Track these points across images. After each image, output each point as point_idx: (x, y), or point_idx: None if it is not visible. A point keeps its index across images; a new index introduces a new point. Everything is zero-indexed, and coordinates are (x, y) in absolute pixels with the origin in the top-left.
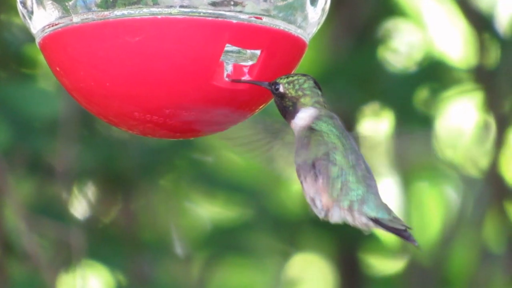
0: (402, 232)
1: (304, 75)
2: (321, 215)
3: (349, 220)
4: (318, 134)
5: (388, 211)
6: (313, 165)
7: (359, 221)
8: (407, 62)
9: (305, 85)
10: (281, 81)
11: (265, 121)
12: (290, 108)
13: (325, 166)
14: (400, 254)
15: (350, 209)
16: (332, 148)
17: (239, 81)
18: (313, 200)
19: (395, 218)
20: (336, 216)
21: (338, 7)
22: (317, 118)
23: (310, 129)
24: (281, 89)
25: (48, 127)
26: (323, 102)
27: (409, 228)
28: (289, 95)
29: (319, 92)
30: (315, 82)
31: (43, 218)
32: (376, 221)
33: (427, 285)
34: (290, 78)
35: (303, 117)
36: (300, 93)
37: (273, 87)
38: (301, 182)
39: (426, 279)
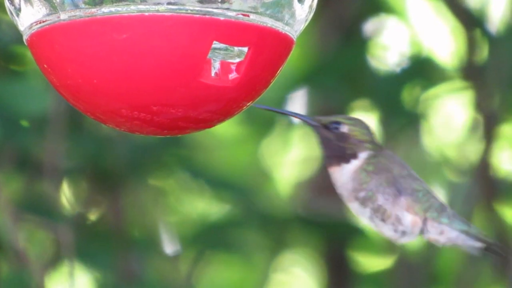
0: (492, 246)
1: (357, 118)
2: (407, 236)
3: (436, 233)
4: (382, 160)
5: (470, 224)
6: (393, 184)
7: (448, 235)
8: (395, 59)
9: (367, 130)
10: (345, 121)
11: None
12: (349, 151)
13: (407, 182)
14: (388, 251)
15: (439, 222)
16: (401, 169)
17: (283, 112)
18: (398, 219)
19: (480, 231)
20: (430, 231)
21: (325, 4)
22: (373, 155)
23: (372, 159)
24: (345, 130)
25: (36, 124)
26: (380, 146)
27: (496, 243)
28: (354, 137)
29: (376, 139)
30: (369, 127)
31: (31, 215)
32: (467, 234)
33: (415, 282)
34: (353, 121)
35: (361, 158)
36: (366, 137)
37: (332, 125)
38: (375, 209)
39: (414, 276)
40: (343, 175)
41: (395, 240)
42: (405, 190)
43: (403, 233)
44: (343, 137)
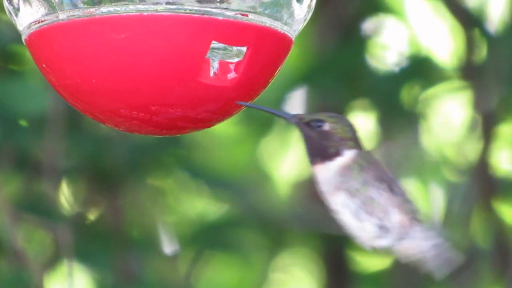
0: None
1: (339, 116)
2: (387, 237)
3: (418, 238)
4: (374, 158)
5: (444, 237)
6: (386, 181)
7: (423, 243)
8: (394, 59)
9: (349, 127)
10: (327, 119)
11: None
12: (331, 149)
13: (398, 183)
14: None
15: (423, 227)
16: (389, 171)
17: (265, 110)
18: (387, 214)
19: (453, 248)
20: (409, 235)
21: (324, 4)
22: (363, 153)
23: (365, 155)
24: (327, 128)
25: (35, 124)
26: (362, 144)
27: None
28: (336, 135)
29: (359, 136)
30: (352, 124)
31: (30, 215)
32: (439, 246)
33: (414, 282)
34: (334, 118)
35: (348, 155)
36: (349, 135)
37: (314, 123)
38: (364, 201)
39: (413, 276)
40: (329, 170)
41: (373, 240)
42: (397, 189)
43: (386, 231)
44: (325, 134)
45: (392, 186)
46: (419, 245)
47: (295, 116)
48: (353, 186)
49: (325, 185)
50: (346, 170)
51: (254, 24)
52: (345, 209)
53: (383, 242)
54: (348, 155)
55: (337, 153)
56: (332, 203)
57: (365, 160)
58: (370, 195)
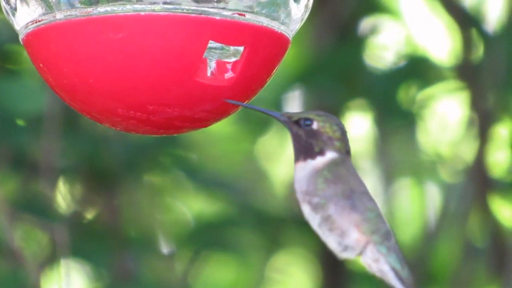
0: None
1: (328, 115)
2: (349, 252)
3: (371, 259)
4: (343, 170)
5: (404, 265)
6: (348, 197)
7: (380, 265)
8: (391, 58)
9: (338, 127)
10: (315, 117)
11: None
12: (317, 148)
13: (362, 200)
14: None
15: (378, 249)
16: (359, 185)
17: (253, 108)
18: (344, 233)
19: (409, 276)
20: (368, 255)
21: (321, 4)
22: (336, 163)
23: (334, 166)
24: (315, 127)
25: (32, 123)
26: (349, 149)
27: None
28: (324, 134)
29: (347, 137)
30: (341, 124)
31: (27, 214)
32: (397, 273)
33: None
34: (323, 117)
35: (328, 157)
36: (337, 134)
37: (302, 122)
38: (325, 217)
39: (411, 275)
40: (304, 170)
41: (337, 253)
42: (358, 207)
43: (346, 247)
44: (313, 133)
45: (355, 202)
46: (372, 265)
47: (283, 114)
48: (315, 201)
49: (297, 185)
50: (314, 177)
51: (251, 23)
52: (311, 221)
53: (349, 255)
54: (328, 157)
55: (320, 152)
56: (303, 210)
57: (333, 171)
58: (329, 212)
